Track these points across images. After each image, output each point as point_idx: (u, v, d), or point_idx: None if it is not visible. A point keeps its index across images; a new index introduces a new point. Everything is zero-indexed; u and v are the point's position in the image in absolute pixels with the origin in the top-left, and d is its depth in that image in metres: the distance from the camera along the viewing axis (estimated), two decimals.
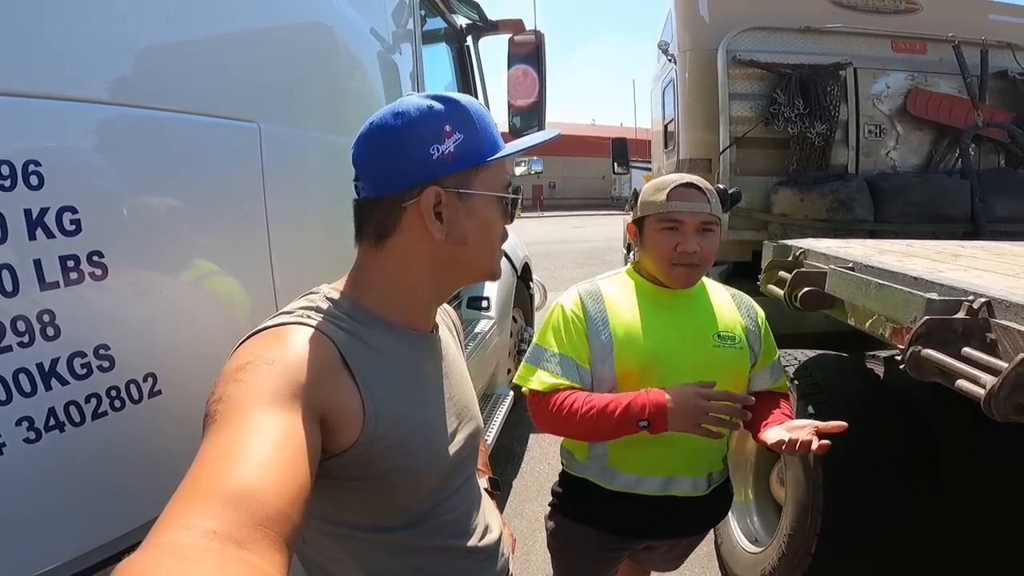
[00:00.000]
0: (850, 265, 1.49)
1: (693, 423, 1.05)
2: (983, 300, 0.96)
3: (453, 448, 0.76)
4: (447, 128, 0.68)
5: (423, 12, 2.46)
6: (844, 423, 0.98)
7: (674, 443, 1.18)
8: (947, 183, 3.07)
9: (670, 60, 3.68)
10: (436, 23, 2.72)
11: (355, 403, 0.65)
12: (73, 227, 0.73)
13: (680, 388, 1.08)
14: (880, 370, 2.18)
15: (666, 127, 4.20)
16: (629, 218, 1.36)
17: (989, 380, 0.77)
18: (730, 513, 2.23)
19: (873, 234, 2.92)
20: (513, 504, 2.86)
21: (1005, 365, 0.81)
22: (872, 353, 2.50)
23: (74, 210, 0.73)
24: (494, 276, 0.77)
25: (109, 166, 0.80)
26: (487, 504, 0.90)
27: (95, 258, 0.76)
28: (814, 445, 0.99)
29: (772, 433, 1.09)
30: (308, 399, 0.59)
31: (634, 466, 1.24)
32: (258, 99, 1.05)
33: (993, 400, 0.75)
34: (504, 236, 0.77)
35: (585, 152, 31.12)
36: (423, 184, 0.68)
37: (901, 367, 1.02)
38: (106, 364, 0.78)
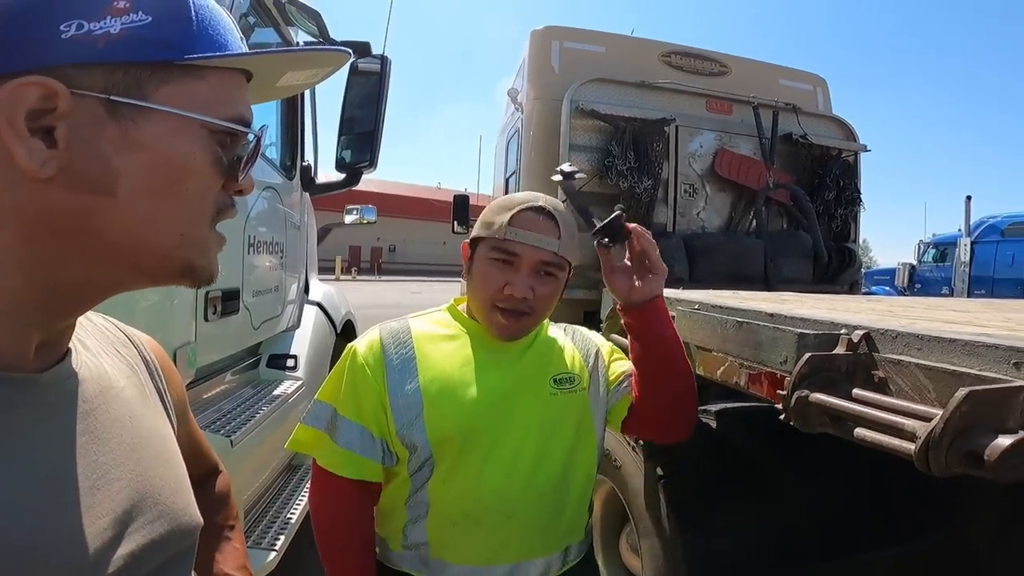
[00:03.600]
0: (696, 305, 1.34)
1: None
2: (861, 332, 0.81)
3: (113, 565, 0.43)
4: (120, 2, 0.39)
5: (252, 20, 2.10)
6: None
7: (516, 517, 0.93)
8: (747, 243, 3.34)
9: (518, 109, 3.67)
10: (267, 35, 2.34)
11: None
12: None
13: None
14: (714, 424, 2.12)
15: (507, 181, 4.14)
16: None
17: (919, 427, 0.58)
18: None
19: None
20: None
21: (923, 408, 0.62)
22: (703, 408, 2.47)
23: None
24: (192, 274, 0.45)
25: None
26: None
27: None
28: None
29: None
30: None
31: (467, 555, 0.93)
32: None
33: (932, 451, 0.55)
34: (224, 209, 0.46)
35: (429, 216, 31.36)
36: (17, 72, 0.37)
37: (781, 417, 0.82)
38: None
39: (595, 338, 1.13)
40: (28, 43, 0.37)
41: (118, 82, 0.39)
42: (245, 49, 0.45)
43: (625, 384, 1.06)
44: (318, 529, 0.97)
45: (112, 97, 0.39)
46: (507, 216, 0.95)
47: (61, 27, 0.37)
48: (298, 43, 2.53)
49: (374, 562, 0.98)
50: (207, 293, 1.68)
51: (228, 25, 0.45)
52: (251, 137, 0.46)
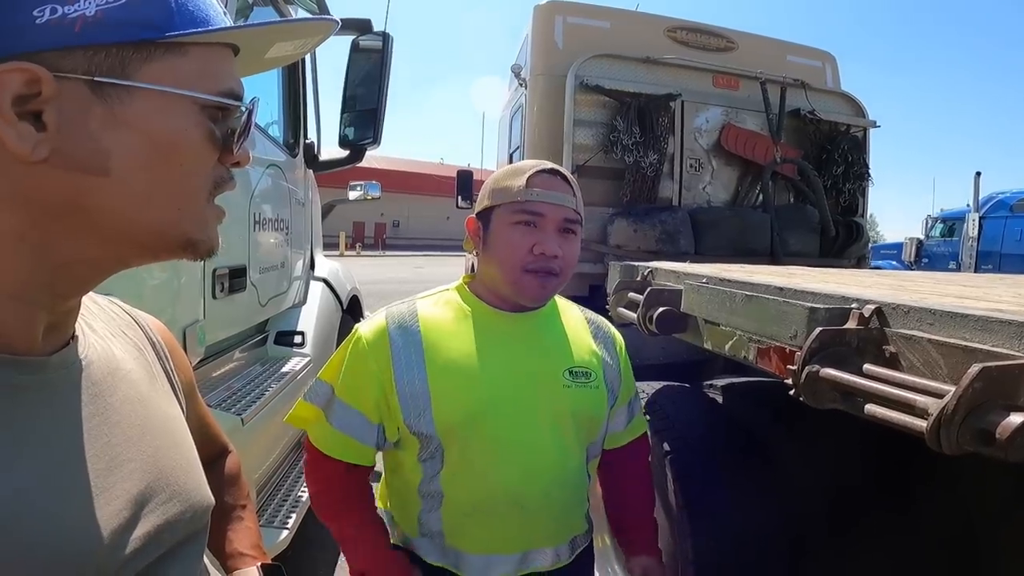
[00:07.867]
0: (704, 279, 1.34)
1: None
2: (872, 307, 0.81)
3: (129, 547, 0.43)
4: None
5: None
6: None
7: (527, 508, 0.93)
8: (753, 217, 3.31)
9: (521, 85, 3.62)
10: (266, 13, 2.30)
11: None
12: None
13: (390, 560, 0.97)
14: (720, 399, 2.13)
15: (511, 156, 4.10)
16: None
17: (931, 403, 0.57)
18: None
19: None
20: (344, 563, 2.40)
21: (934, 384, 0.62)
22: (709, 383, 2.47)
23: None
24: (192, 248, 0.45)
25: None
26: None
27: None
28: None
29: None
30: None
31: (481, 544, 0.95)
32: None
33: (944, 429, 0.55)
34: (222, 182, 0.47)
35: (432, 191, 31.15)
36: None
37: (791, 392, 0.82)
38: None
39: (618, 339, 1.12)
40: (2, 31, 0.37)
41: (100, 63, 0.39)
42: (228, 23, 0.45)
43: (617, 420, 1.10)
44: (313, 495, 1.03)
45: (96, 78, 0.39)
46: (523, 180, 0.95)
47: (34, 12, 0.37)
48: None
49: (375, 516, 1.01)
50: (214, 271, 1.68)
51: None
52: (243, 109, 0.46)
